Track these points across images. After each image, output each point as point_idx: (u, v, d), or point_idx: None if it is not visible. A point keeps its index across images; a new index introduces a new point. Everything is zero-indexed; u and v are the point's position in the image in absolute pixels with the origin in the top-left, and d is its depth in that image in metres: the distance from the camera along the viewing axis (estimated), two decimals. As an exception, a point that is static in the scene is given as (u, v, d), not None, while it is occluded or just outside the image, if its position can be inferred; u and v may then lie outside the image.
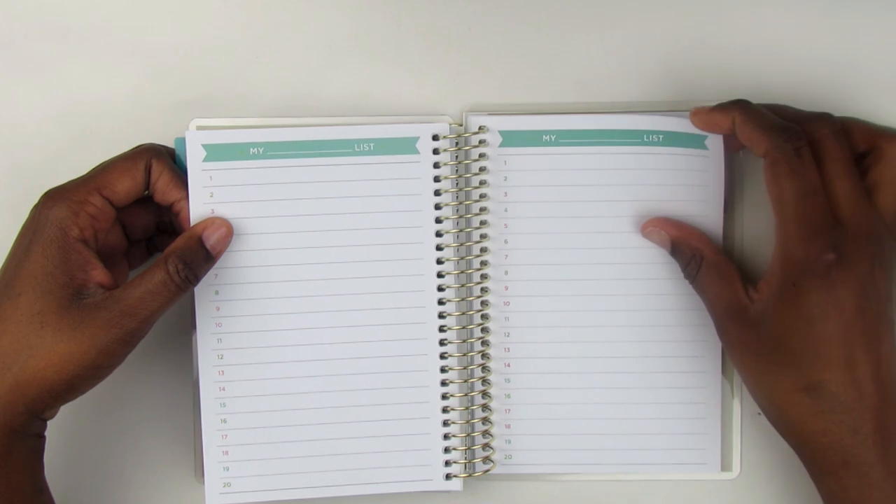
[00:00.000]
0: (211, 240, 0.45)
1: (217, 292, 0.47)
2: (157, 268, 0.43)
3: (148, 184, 0.46)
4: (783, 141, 0.42)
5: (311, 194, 0.47)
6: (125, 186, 0.45)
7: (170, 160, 0.46)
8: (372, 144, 0.47)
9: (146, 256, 0.49)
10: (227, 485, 0.47)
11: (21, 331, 0.42)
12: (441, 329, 0.48)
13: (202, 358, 0.47)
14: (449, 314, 0.48)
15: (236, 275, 0.47)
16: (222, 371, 0.47)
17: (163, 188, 0.46)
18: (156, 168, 0.45)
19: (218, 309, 0.47)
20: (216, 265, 0.46)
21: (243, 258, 0.47)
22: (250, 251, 0.47)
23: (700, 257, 0.46)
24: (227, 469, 0.47)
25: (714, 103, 0.46)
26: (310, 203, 0.47)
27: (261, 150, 0.47)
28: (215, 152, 0.47)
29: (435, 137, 0.47)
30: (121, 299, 0.42)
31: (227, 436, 0.47)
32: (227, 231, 0.46)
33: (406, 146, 0.47)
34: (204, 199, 0.46)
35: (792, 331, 0.42)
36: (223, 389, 0.47)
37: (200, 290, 0.47)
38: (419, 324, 0.48)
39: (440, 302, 0.48)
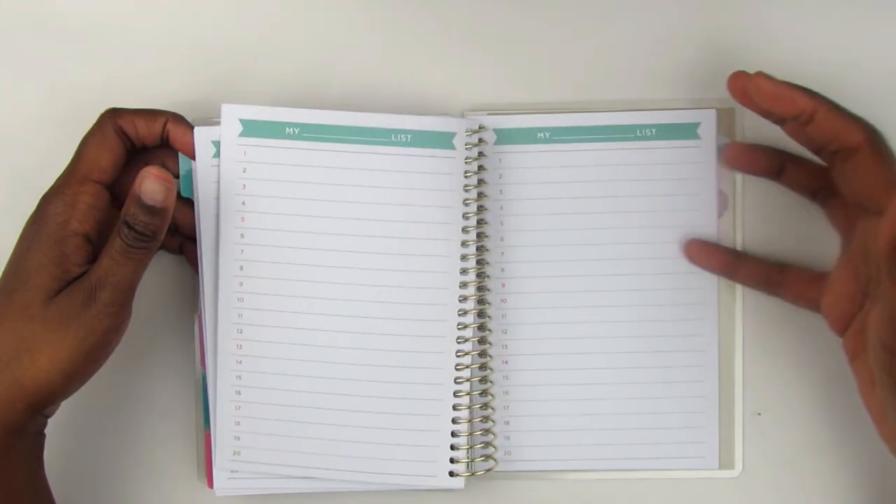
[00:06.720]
0: (147, 194, 0.42)
1: (242, 268, 0.47)
2: (115, 235, 0.43)
3: (129, 145, 0.46)
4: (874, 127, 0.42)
5: (343, 181, 0.47)
6: (108, 159, 0.45)
7: (131, 111, 0.46)
8: (409, 136, 0.47)
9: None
10: (237, 453, 0.48)
11: (15, 327, 0.42)
12: (459, 326, 0.48)
13: (222, 329, 0.47)
14: (468, 311, 0.47)
15: (261, 253, 0.47)
16: (240, 345, 0.47)
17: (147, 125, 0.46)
18: (126, 123, 0.45)
19: (241, 284, 0.47)
20: (241, 241, 0.46)
21: (269, 237, 0.47)
22: (277, 231, 0.47)
23: None
24: (238, 438, 0.48)
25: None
26: (340, 189, 0.47)
27: (296, 131, 0.47)
28: (251, 128, 0.47)
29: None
30: (91, 272, 0.43)
31: (240, 407, 0.47)
32: (160, 178, 0.43)
33: (443, 140, 0.47)
34: (237, 174, 0.46)
35: None
36: (240, 362, 0.47)
37: (224, 265, 0.47)
38: (441, 321, 0.47)
39: (461, 299, 0.47)
